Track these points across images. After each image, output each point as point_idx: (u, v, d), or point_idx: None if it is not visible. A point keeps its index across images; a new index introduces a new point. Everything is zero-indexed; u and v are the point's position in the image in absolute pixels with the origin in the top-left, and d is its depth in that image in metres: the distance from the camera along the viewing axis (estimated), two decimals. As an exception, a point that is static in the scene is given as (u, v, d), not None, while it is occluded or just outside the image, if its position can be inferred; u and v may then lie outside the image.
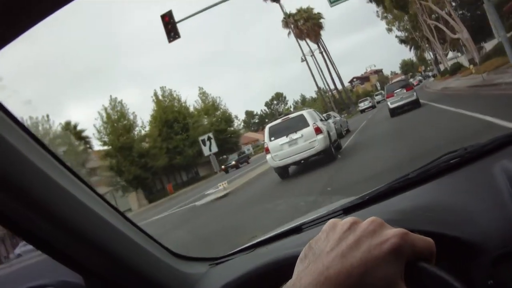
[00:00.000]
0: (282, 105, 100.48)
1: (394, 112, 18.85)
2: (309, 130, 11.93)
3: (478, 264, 0.76)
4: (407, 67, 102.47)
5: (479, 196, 0.89)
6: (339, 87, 64.30)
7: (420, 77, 78.66)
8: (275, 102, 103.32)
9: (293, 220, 1.43)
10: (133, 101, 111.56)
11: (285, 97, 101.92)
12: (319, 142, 11.79)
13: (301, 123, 12.16)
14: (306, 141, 11.88)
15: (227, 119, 51.53)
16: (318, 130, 11.90)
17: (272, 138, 12.38)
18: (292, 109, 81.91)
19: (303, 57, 49.12)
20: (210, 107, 50.62)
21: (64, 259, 0.86)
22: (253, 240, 1.32)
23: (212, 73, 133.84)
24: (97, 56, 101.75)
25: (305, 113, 12.55)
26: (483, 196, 0.88)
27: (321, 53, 59.00)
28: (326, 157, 12.01)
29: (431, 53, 61.22)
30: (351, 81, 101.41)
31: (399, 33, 57.53)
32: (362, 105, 44.59)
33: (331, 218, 1.04)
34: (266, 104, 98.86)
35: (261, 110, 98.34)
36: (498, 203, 0.81)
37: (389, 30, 51.96)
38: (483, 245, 0.76)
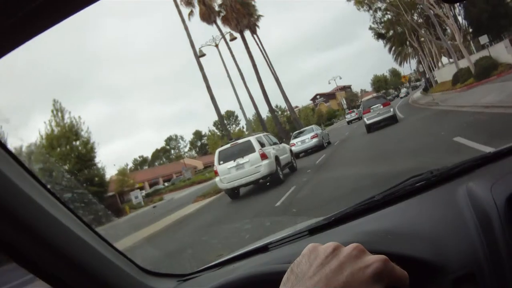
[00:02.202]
0: (234, 125, 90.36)
1: (371, 128, 20.04)
2: (255, 156, 13.71)
3: (439, 285, 0.85)
4: (379, 84, 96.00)
5: (442, 219, 0.98)
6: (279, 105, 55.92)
7: (405, 89, 70.64)
8: (225, 121, 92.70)
9: (260, 240, 1.54)
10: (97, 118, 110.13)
11: (237, 116, 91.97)
12: (264, 167, 13.52)
13: (248, 148, 13.95)
14: (252, 165, 13.66)
15: (85, 155, 32.29)
16: (263, 156, 13.66)
17: (221, 162, 14.21)
18: (244, 129, 72.23)
19: (200, 50, 29.34)
20: (61, 135, 31.86)
21: (37, 271, 0.95)
22: (220, 258, 1.43)
23: (177, 92, 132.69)
24: (65, 69, 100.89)
25: (253, 139, 14.32)
26: (446, 219, 0.97)
27: (242, 40, 40.67)
28: (273, 180, 13.92)
29: (422, 56, 50.00)
30: (313, 99, 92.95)
31: (374, 25, 45.99)
32: (349, 117, 48.60)
33: (297, 238, 1.29)
34: (215, 124, 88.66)
35: (210, 131, 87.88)
36: (459, 226, 0.91)
37: (360, 3, 39.31)
38: (444, 266, 0.86)
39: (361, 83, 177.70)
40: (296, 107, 79.07)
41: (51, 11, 0.71)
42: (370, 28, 46.39)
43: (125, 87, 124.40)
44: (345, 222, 1.24)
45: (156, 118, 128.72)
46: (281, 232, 1.54)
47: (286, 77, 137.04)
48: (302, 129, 25.08)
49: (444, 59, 43.40)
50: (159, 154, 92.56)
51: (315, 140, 21.79)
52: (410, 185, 1.26)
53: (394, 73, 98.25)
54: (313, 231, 1.29)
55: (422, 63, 51.79)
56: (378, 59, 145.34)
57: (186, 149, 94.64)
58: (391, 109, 20.08)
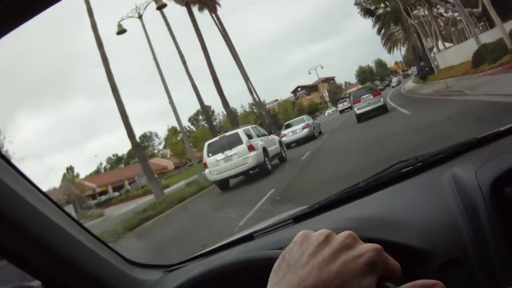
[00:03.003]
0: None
1: (361, 117, 20.19)
2: (242, 148, 14.23)
3: (425, 271, 0.86)
4: (365, 75, 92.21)
5: (427, 204, 1.01)
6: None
7: (396, 78, 66.50)
8: (200, 117, 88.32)
9: (245, 229, 1.58)
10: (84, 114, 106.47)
11: (213, 111, 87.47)
12: (252, 159, 14.03)
13: (236, 140, 14.51)
14: (240, 157, 14.20)
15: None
16: (251, 148, 14.15)
17: (210, 154, 14.76)
18: (218, 124, 69.04)
19: (119, 25, 21.87)
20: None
21: (23, 265, 0.97)
22: (206, 248, 1.44)
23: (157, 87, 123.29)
24: (46, 67, 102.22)
25: (240, 131, 14.89)
26: (431, 204, 0.99)
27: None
28: (261, 171, 14.41)
29: (422, 36, 39.16)
30: (294, 91, 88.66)
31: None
32: (342, 106, 47.68)
33: (281, 226, 1.31)
34: (190, 120, 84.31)
35: (185, 127, 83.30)
36: (445, 211, 0.93)
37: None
38: (430, 252, 0.87)
39: (346, 75, 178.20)
40: (276, 100, 74.95)
41: (28, 5, 0.72)
42: (356, 4, 39.69)
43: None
44: (329, 209, 1.26)
45: (138, 113, 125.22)
46: (266, 220, 1.59)
47: (269, 70, 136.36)
48: (293, 119, 25.34)
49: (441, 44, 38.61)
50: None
51: (306, 130, 22.00)
52: (395, 171, 1.28)
53: (380, 63, 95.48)
54: (297, 219, 1.31)
55: (418, 45, 44.09)
56: (363, 52, 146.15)
57: (161, 147, 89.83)
58: (381, 99, 20.24)
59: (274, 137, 17.43)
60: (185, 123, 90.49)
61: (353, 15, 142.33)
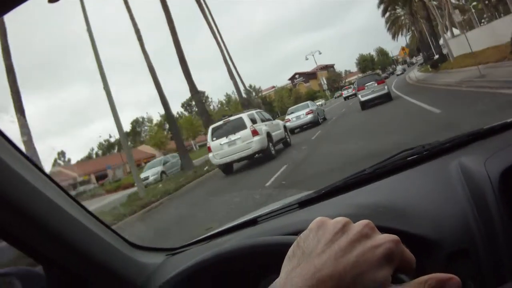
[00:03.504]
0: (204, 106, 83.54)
1: (365, 105, 20.16)
2: (246, 132, 14.29)
3: (432, 260, 0.86)
4: (366, 63, 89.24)
5: (434, 193, 0.99)
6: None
7: (400, 66, 64.09)
8: (193, 103, 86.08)
9: (249, 213, 1.53)
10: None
11: (207, 97, 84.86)
12: (255, 143, 14.11)
13: (240, 125, 14.56)
14: (244, 142, 14.26)
15: None
16: (255, 133, 14.22)
17: (214, 138, 14.87)
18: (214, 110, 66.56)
19: None
20: None
21: (25, 248, 0.95)
22: (209, 231, 1.42)
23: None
24: (43, 51, 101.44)
25: (244, 116, 14.90)
26: (438, 193, 0.98)
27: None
28: (265, 155, 14.54)
29: (433, 18, 35.23)
30: (292, 78, 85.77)
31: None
32: (346, 93, 48.41)
33: (286, 211, 1.29)
34: (183, 105, 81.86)
35: (178, 113, 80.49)
36: (452, 200, 0.92)
37: None
38: (437, 241, 0.86)
39: (346, 64, 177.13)
40: (273, 87, 72.95)
41: None
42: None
43: (108, 66, 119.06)
44: (335, 195, 1.25)
45: (136, 99, 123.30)
46: (271, 205, 1.57)
47: (266, 57, 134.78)
48: (297, 105, 25.30)
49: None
50: (127, 138, 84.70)
51: (310, 116, 22.16)
52: (402, 159, 1.27)
53: (382, 52, 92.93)
54: (303, 204, 1.30)
55: (425, 31, 40.39)
56: (364, 41, 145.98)
57: (153, 133, 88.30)
58: (386, 87, 20.24)
59: (278, 122, 17.43)
60: (178, 108, 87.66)
61: (354, 3, 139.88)
